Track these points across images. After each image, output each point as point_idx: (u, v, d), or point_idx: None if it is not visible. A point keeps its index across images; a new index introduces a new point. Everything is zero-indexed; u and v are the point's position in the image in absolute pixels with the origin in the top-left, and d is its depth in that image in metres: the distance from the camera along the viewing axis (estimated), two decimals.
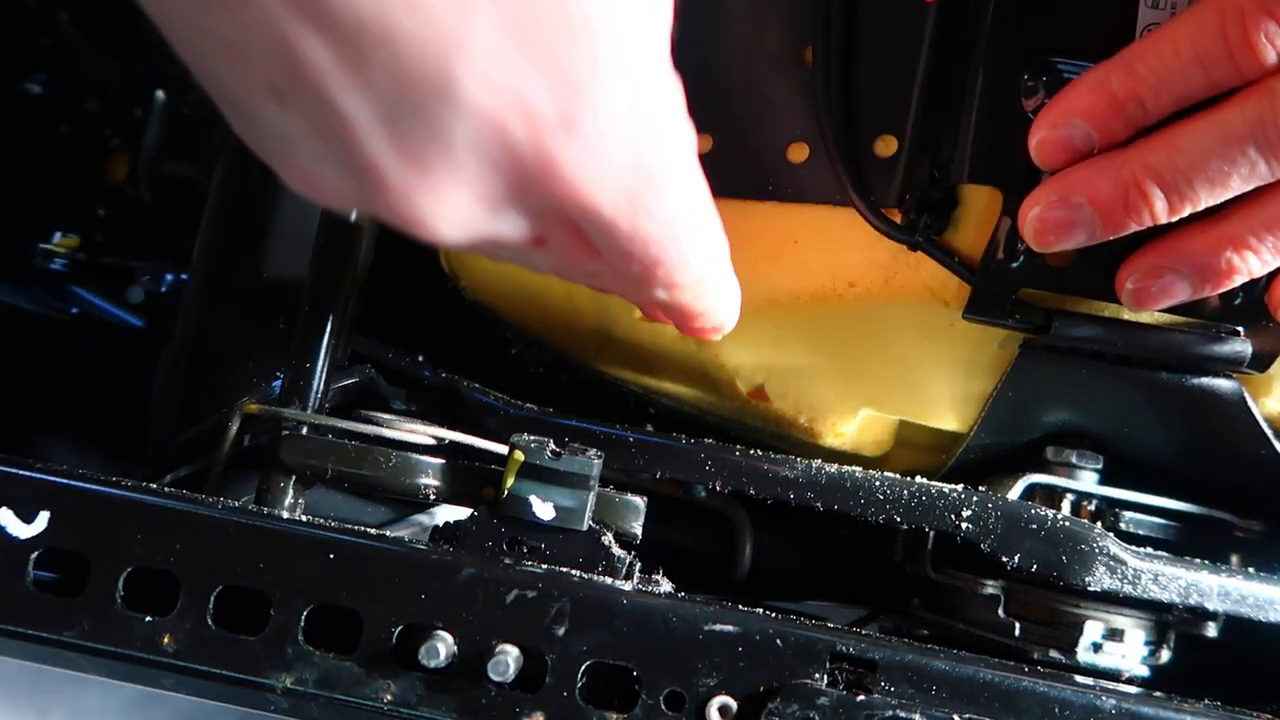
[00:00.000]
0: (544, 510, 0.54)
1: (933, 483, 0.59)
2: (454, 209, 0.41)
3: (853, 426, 0.66)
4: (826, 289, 0.61)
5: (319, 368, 0.59)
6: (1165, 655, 0.63)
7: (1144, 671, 0.63)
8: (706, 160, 0.64)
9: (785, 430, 0.66)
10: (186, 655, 0.52)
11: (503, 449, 0.55)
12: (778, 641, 0.51)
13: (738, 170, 0.62)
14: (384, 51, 0.36)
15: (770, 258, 0.62)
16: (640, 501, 0.56)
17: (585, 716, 0.51)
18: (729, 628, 0.51)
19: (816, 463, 0.60)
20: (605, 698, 0.52)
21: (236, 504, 0.55)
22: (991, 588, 0.64)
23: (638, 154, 0.42)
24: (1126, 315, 0.58)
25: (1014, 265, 0.56)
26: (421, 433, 0.57)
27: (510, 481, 0.54)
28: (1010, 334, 0.60)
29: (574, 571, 0.53)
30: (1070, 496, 0.63)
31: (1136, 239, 0.53)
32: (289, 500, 0.58)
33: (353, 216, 0.60)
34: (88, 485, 0.54)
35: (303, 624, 0.52)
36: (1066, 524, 0.58)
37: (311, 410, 0.59)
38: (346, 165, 0.39)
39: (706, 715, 0.51)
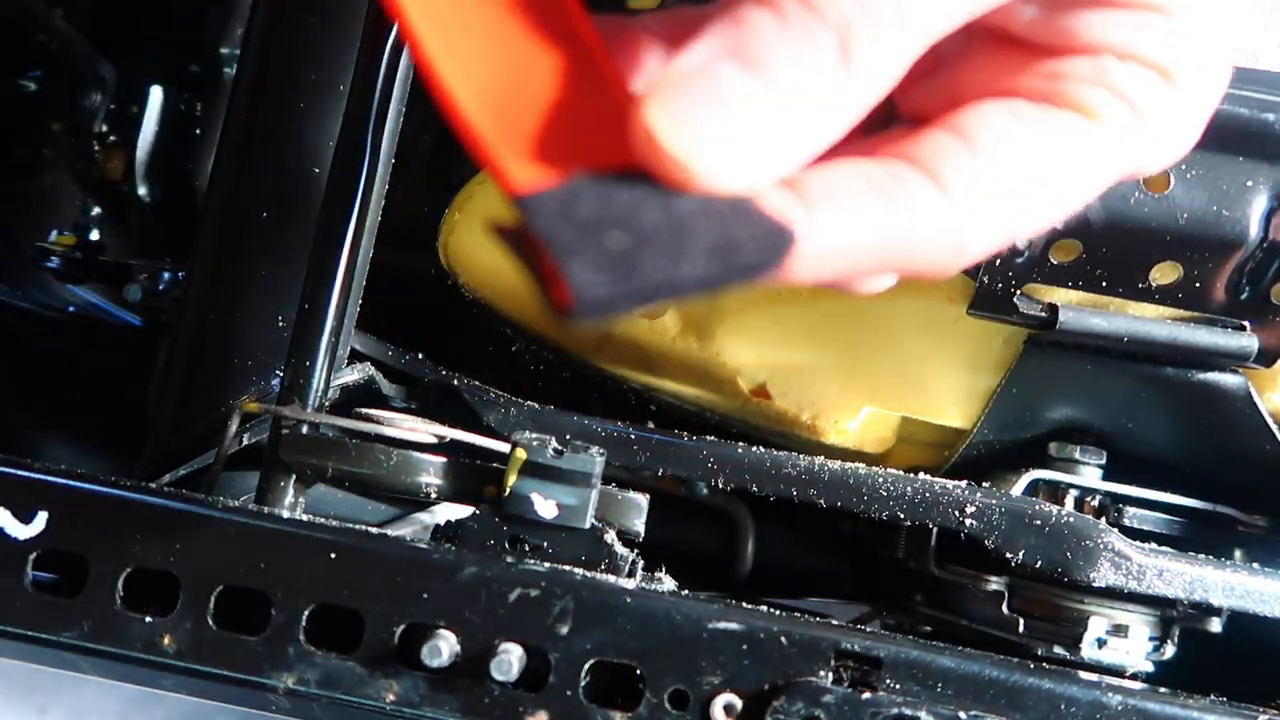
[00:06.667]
0: (546, 508, 0.54)
1: (936, 479, 0.59)
2: None
3: (855, 423, 0.65)
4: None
5: (319, 366, 0.59)
6: (1170, 651, 0.63)
7: (1148, 667, 0.63)
8: None
9: (787, 428, 0.66)
10: (187, 655, 0.52)
11: (504, 447, 0.54)
12: (782, 639, 0.51)
13: None
14: None
15: None
16: (642, 499, 0.56)
17: (589, 715, 0.51)
18: (733, 625, 0.51)
19: (819, 459, 0.60)
20: (609, 696, 0.51)
21: (236, 504, 0.55)
22: (995, 584, 0.64)
23: None
24: (1131, 310, 0.58)
25: (1018, 261, 0.56)
26: (422, 431, 0.57)
27: (512, 479, 0.54)
28: (1014, 330, 0.60)
29: (577, 570, 0.52)
30: (1074, 492, 0.62)
31: (1145, 237, 0.53)
32: (289, 499, 0.58)
33: None
34: (86, 485, 0.54)
35: (304, 624, 0.52)
36: (1070, 520, 0.58)
37: (311, 408, 0.58)
38: None
39: (711, 713, 0.50)
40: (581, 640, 0.51)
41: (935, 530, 0.64)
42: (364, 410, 0.58)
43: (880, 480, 0.59)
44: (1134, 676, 0.62)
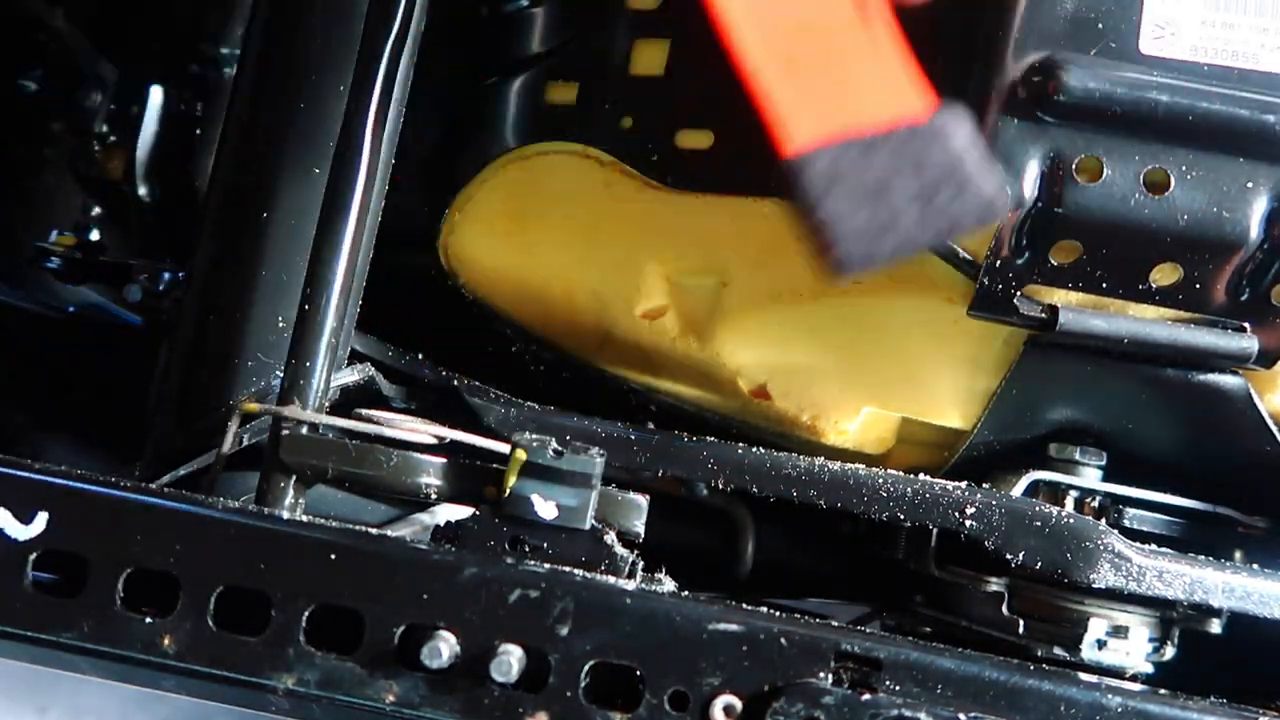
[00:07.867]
0: (546, 509, 0.54)
1: (936, 480, 0.59)
2: None
3: (855, 424, 0.65)
4: (830, 286, 0.61)
5: (318, 366, 0.59)
6: (1170, 652, 0.63)
7: (1148, 668, 0.63)
8: (708, 157, 0.64)
9: (787, 429, 0.66)
10: (187, 656, 0.52)
11: (504, 448, 0.54)
12: (782, 640, 0.51)
13: (739, 167, 0.62)
14: None
15: (773, 255, 0.62)
16: (642, 500, 0.56)
17: (589, 716, 0.51)
18: (733, 626, 0.51)
19: (819, 460, 0.60)
20: (609, 697, 0.51)
21: (236, 504, 0.55)
22: (995, 585, 0.64)
23: None
24: (1132, 311, 0.58)
25: (1019, 262, 0.56)
26: (422, 432, 0.57)
27: (512, 480, 0.54)
28: (1014, 331, 0.60)
29: (577, 571, 0.52)
30: (1074, 493, 0.62)
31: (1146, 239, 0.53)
32: (289, 500, 0.58)
33: None
34: (86, 485, 0.54)
35: (304, 624, 0.52)
36: (1070, 521, 0.58)
37: (311, 409, 0.58)
38: None
39: (711, 714, 0.50)
40: (581, 641, 0.51)
41: (935, 531, 0.64)
42: (364, 411, 0.58)
43: (880, 481, 0.59)
44: (1134, 678, 0.62)
